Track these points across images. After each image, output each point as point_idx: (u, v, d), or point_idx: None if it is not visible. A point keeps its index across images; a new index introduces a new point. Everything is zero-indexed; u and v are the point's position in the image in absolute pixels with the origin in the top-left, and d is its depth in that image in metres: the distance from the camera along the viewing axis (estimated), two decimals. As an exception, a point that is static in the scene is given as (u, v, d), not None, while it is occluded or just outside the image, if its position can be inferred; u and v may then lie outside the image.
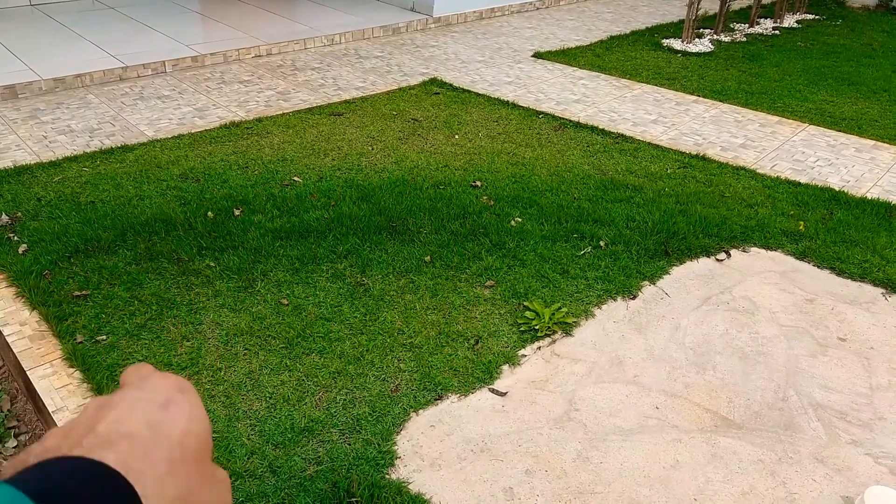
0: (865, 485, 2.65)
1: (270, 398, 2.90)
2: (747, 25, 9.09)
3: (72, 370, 3.01)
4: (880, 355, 3.35)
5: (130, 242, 3.88)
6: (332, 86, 6.57)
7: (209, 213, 4.21)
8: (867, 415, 3.01)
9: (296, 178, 4.72)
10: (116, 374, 2.98)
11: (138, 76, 6.58)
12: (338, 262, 3.79)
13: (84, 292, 3.47)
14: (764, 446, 2.82)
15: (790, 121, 6.05)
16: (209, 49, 7.11)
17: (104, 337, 3.19)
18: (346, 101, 6.17)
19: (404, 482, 2.56)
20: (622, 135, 5.63)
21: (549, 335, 3.37)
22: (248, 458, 2.61)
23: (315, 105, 6.06)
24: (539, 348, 3.30)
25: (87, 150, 5.02)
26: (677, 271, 3.90)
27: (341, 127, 5.62)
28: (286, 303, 3.47)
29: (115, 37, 7.41)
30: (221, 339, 3.22)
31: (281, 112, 5.87)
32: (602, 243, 4.07)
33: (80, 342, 3.15)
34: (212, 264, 3.73)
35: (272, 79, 6.70)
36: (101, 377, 2.94)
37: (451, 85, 6.67)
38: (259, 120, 5.68)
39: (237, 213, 4.23)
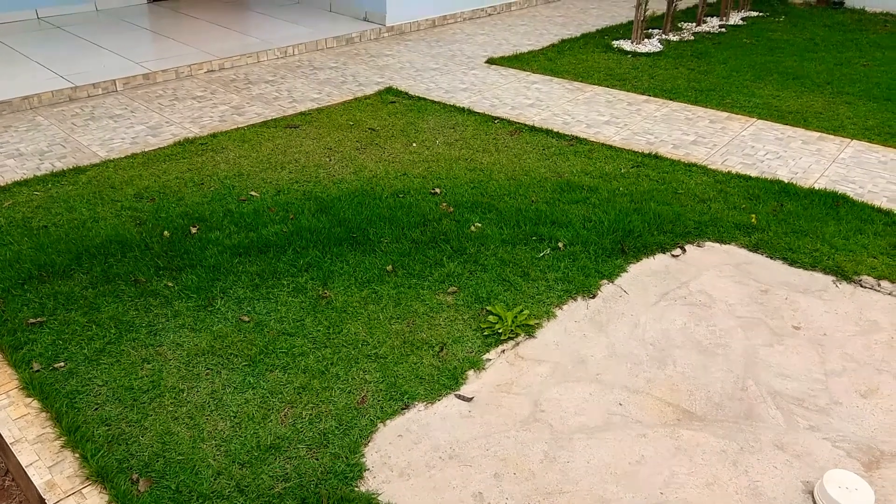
0: (824, 468, 2.73)
1: (235, 417, 2.87)
2: (694, 24, 9.28)
3: (29, 399, 2.95)
4: (833, 342, 3.45)
5: (86, 266, 3.82)
6: (287, 98, 6.54)
7: (165, 232, 4.15)
8: (823, 400, 3.09)
9: (253, 193, 4.68)
10: (76, 401, 2.92)
11: (88, 96, 6.47)
12: (299, 276, 3.78)
13: (39, 319, 3.40)
14: (726, 437, 2.89)
15: (739, 116, 6.20)
16: (161, 66, 7.02)
17: (62, 364, 3.13)
18: (302, 114, 6.15)
19: (374, 494, 2.56)
20: (576, 137, 5.71)
21: (512, 338, 3.40)
22: (214, 479, 2.58)
23: (270, 118, 6.02)
24: (503, 352, 3.33)
25: (38, 174, 4.92)
26: (634, 269, 3.97)
27: (298, 139, 5.60)
28: (247, 320, 3.44)
29: (63, 56, 7.27)
30: (182, 359, 3.18)
31: (236, 127, 5.82)
32: (561, 244, 4.12)
33: (37, 370, 3.08)
34: (170, 284, 3.69)
35: (226, 93, 6.64)
36: (60, 405, 2.88)
37: (406, 93, 6.69)
38: (213, 135, 5.62)
39: (194, 230, 4.18)
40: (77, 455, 2.67)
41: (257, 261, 3.90)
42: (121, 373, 3.08)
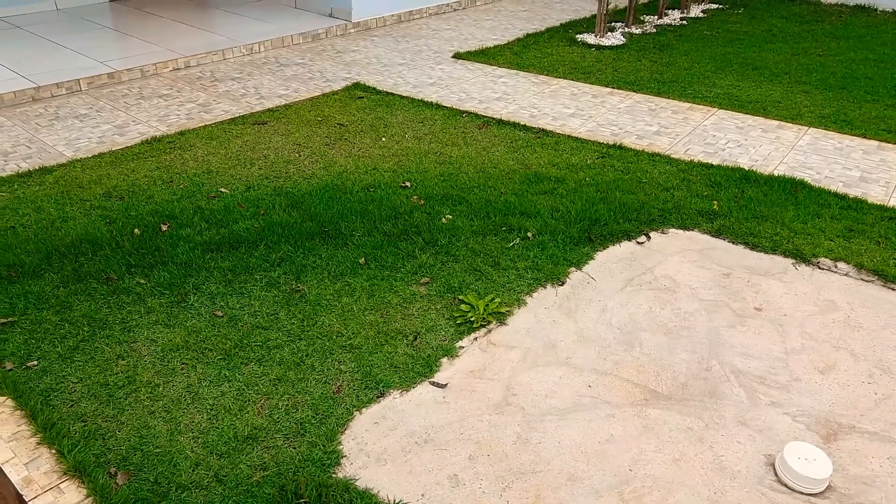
0: (785, 442, 2.84)
1: (211, 409, 2.90)
2: (656, 17, 9.44)
3: (2, 398, 2.94)
4: (793, 321, 3.58)
5: (56, 265, 3.80)
6: (255, 95, 6.53)
7: (136, 230, 4.15)
8: (784, 377, 3.21)
9: (223, 190, 4.69)
10: (51, 398, 2.93)
11: (52, 96, 6.39)
12: (271, 271, 3.80)
13: (10, 319, 3.39)
14: (691, 415, 2.99)
15: (700, 106, 6.35)
16: (125, 65, 6.96)
17: (35, 362, 3.12)
18: (270, 110, 6.15)
19: (351, 479, 2.61)
20: (543, 129, 5.79)
21: (484, 326, 3.47)
22: (193, 470, 2.61)
23: (238, 115, 6.02)
24: (476, 339, 3.40)
25: (3, 174, 4.86)
26: (601, 256, 4.07)
27: (266, 135, 5.60)
28: (221, 314, 3.46)
29: (25, 56, 7.17)
30: (157, 355, 3.20)
31: (203, 124, 5.81)
32: (530, 234, 4.20)
33: (10, 369, 3.07)
34: (142, 281, 3.69)
35: (192, 91, 6.61)
36: (34, 403, 2.88)
37: (374, 88, 6.72)
38: (181, 133, 5.61)
39: (164, 228, 4.18)
40: (54, 451, 2.68)
41: (229, 256, 3.92)
42: (95, 369, 3.09)
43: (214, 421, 2.84)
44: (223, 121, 5.89)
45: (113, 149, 5.32)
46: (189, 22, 8.71)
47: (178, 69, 7.22)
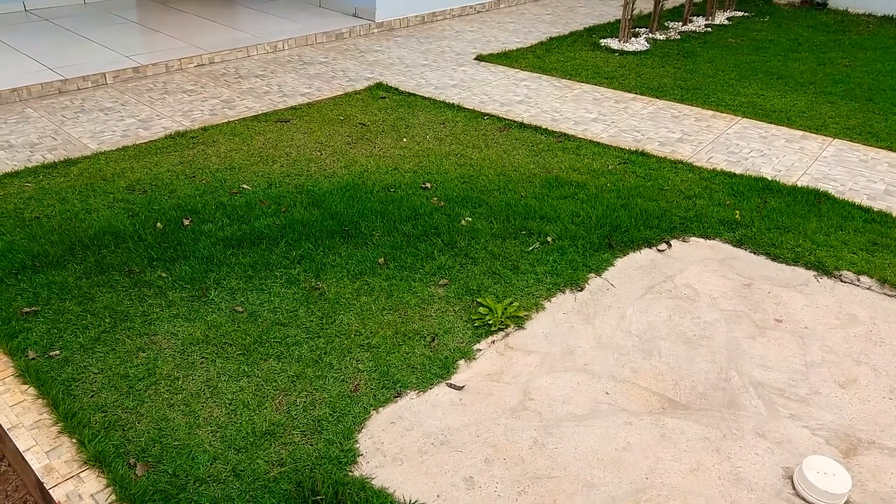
0: (803, 455, 2.81)
1: (230, 404, 2.92)
2: (681, 23, 9.40)
3: (25, 387, 2.98)
4: (814, 334, 3.54)
5: (79, 256, 3.84)
6: (278, 93, 6.57)
7: (158, 224, 4.19)
8: (803, 390, 3.19)
9: (245, 186, 4.72)
10: (72, 388, 2.96)
11: (78, 88, 6.47)
12: (291, 268, 3.83)
13: (34, 308, 3.43)
14: (709, 425, 2.97)
15: (724, 114, 6.31)
16: (150, 59, 7.03)
17: (57, 352, 3.16)
18: (293, 108, 6.18)
19: (367, 478, 2.62)
20: (565, 134, 5.78)
21: (502, 329, 3.47)
22: (211, 464, 2.63)
23: (261, 112, 6.06)
24: (493, 342, 3.39)
25: (29, 165, 4.93)
26: (621, 263, 4.05)
27: (288, 133, 5.63)
28: (241, 310, 3.49)
29: (52, 49, 7.26)
30: (177, 348, 3.22)
31: (226, 120, 5.85)
32: (549, 239, 4.19)
33: (33, 358, 3.11)
34: (164, 275, 3.73)
35: (216, 87, 6.66)
36: (56, 392, 2.91)
37: (396, 89, 6.74)
38: (204, 129, 5.65)
39: (187, 222, 4.22)
40: (74, 440, 2.71)
41: (250, 253, 3.95)
42: (116, 361, 3.12)
43: (233, 416, 2.86)
44: (246, 117, 5.93)
45: (137, 142, 5.37)
46: (213, 18, 8.78)
47: (202, 65, 7.28)
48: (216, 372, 3.09)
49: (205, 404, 2.91)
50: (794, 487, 2.69)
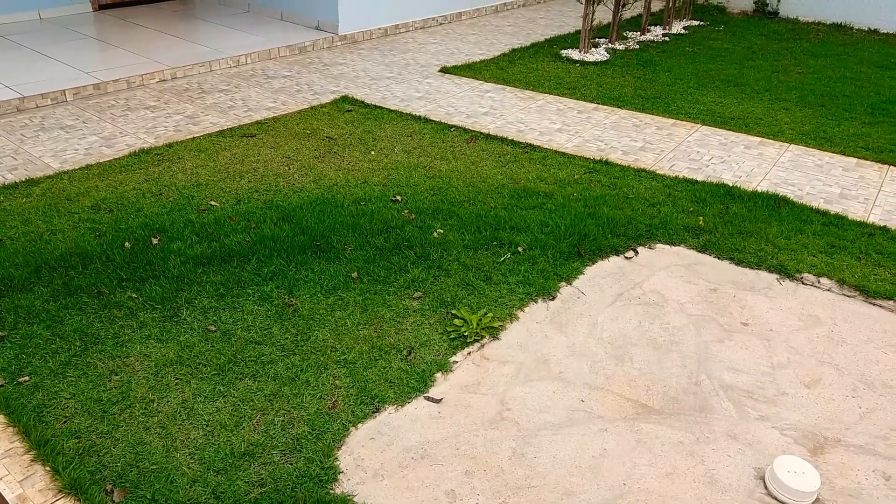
0: (774, 455, 2.90)
1: (207, 426, 2.90)
2: (639, 33, 9.58)
3: (-6, 415, 2.92)
4: (779, 336, 3.65)
5: (46, 279, 3.78)
6: (242, 107, 6.53)
7: (126, 243, 4.14)
8: (771, 391, 3.28)
9: (213, 203, 4.69)
10: (44, 415, 2.91)
11: (37, 106, 6.35)
12: (264, 285, 3.81)
13: (0, 334, 3.36)
14: (682, 429, 3.04)
15: (684, 122, 6.45)
16: (111, 76, 6.93)
17: (27, 378, 3.10)
18: (258, 122, 6.16)
19: (349, 495, 2.63)
20: (531, 144, 5.86)
21: (477, 340, 3.50)
22: (190, 487, 2.61)
23: (226, 127, 6.02)
24: (469, 354, 3.43)
25: (-12, 186, 4.83)
26: (591, 271, 4.12)
27: (255, 148, 5.61)
28: (214, 329, 3.46)
29: (9, 66, 7.12)
30: (151, 370, 3.19)
31: (191, 136, 5.80)
32: (520, 249, 4.24)
33: (2, 385, 3.05)
34: (134, 295, 3.68)
35: (179, 103, 6.60)
36: (27, 419, 2.86)
37: (362, 102, 6.75)
38: (169, 145, 5.60)
39: (155, 241, 4.17)
40: (48, 468, 2.67)
41: (221, 270, 3.92)
42: (88, 385, 3.08)
43: (210, 437, 2.84)
44: (211, 133, 5.89)
45: (100, 160, 5.29)
46: (174, 33, 8.69)
47: (164, 80, 7.21)
48: (191, 393, 3.06)
49: (181, 426, 2.89)
50: (766, 487, 2.77)
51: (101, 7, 9.84)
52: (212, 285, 3.79)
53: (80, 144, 5.60)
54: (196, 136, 5.82)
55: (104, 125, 6.00)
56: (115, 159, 5.33)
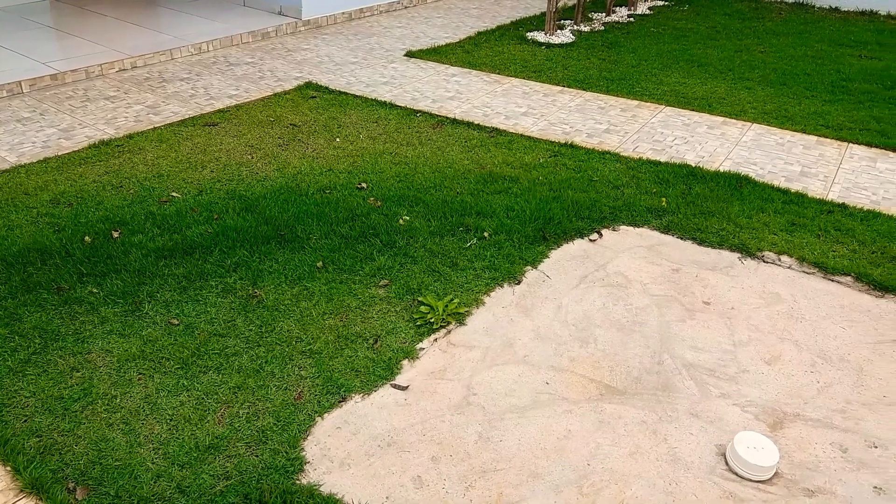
0: (734, 432, 2.95)
1: (171, 420, 2.88)
2: (604, 14, 9.60)
3: (-48, 416, 2.87)
4: (740, 314, 3.71)
5: (3, 276, 3.70)
6: (204, 96, 6.44)
7: (86, 237, 4.07)
8: (732, 369, 3.34)
9: (174, 194, 4.63)
10: (3, 414, 2.87)
11: (-9, 98, 6.20)
12: (227, 277, 3.78)
13: (-44, 333, 3.30)
14: (645, 408, 3.08)
15: (648, 104, 6.49)
16: (69, 66, 6.78)
17: (-16, 378, 3.05)
18: (220, 111, 6.07)
19: (315, 485, 2.63)
20: (496, 128, 5.86)
21: (443, 326, 3.51)
22: (154, 482, 2.59)
23: (187, 117, 5.93)
24: (436, 340, 3.44)
25: (-58, 182, 4.71)
26: (556, 254, 4.15)
27: (217, 137, 5.54)
28: (177, 322, 3.43)
29: (-40, 57, 6.93)
30: (113, 366, 3.15)
31: (152, 126, 5.71)
32: (486, 234, 4.25)
33: (-41, 386, 3.00)
34: (95, 290, 3.63)
35: (140, 93, 6.48)
36: (-14, 420, 2.82)
37: (327, 88, 6.69)
38: (130, 136, 5.50)
39: (116, 235, 4.11)
40: (8, 468, 2.63)
41: (183, 263, 3.88)
42: (49, 383, 3.03)
43: (175, 431, 2.82)
44: (173, 123, 5.80)
45: (59, 153, 5.19)
46: (134, 21, 8.52)
47: (124, 70, 7.07)
48: (155, 388, 3.03)
49: (145, 421, 2.87)
50: (727, 464, 2.82)
51: (58, -6, 9.60)
52: (174, 278, 3.74)
53: (38, 137, 5.48)
54: (157, 126, 5.73)
55: (62, 117, 5.88)
56: (74, 152, 5.22)
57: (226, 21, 8.60)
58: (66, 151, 5.23)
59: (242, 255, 3.95)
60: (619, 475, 2.74)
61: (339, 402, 3.01)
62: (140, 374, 3.11)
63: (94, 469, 2.64)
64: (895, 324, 3.64)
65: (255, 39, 8.26)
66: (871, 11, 10.30)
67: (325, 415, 2.95)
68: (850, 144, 5.70)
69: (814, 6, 10.68)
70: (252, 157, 5.21)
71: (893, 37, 8.95)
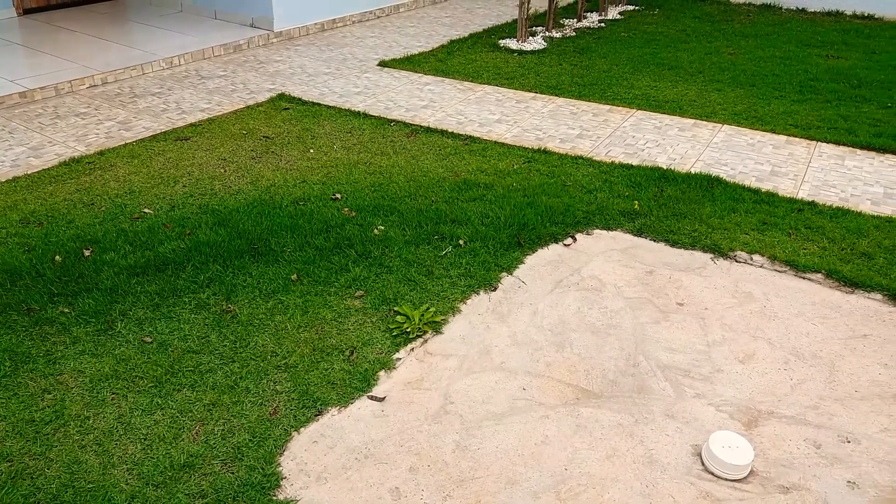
0: (710, 431, 2.98)
1: (145, 439, 2.85)
2: (576, 20, 9.68)
3: (-80, 443, 2.82)
4: (713, 314, 3.74)
5: (-29, 299, 3.65)
6: (176, 110, 6.40)
7: (57, 257, 4.02)
8: (707, 369, 3.36)
9: (146, 210, 4.59)
10: (-28, 439, 2.82)
11: (-42, 118, 6.12)
12: (200, 292, 3.75)
13: (-76, 358, 3.24)
14: (622, 411, 3.10)
15: (620, 108, 6.55)
16: (38, 83, 6.71)
17: (-47, 403, 3.00)
18: (192, 125, 6.04)
19: (292, 500, 2.61)
20: (470, 136, 5.88)
21: (420, 336, 3.51)
22: (128, 503, 2.57)
23: (159, 132, 5.89)
24: (412, 350, 3.43)
25: None
26: (531, 260, 4.16)
27: (189, 151, 5.50)
28: (150, 340, 3.40)
29: (-74, 77, 6.83)
30: (86, 386, 3.12)
31: (124, 142, 5.66)
32: (461, 242, 4.26)
33: (-74, 412, 2.95)
34: (66, 310, 3.59)
35: (111, 108, 6.43)
36: (-46, 446, 2.77)
37: (300, 99, 6.68)
38: (101, 153, 5.45)
39: (87, 253, 4.07)
40: (-22, 495, 2.59)
41: (156, 279, 3.85)
42: (20, 406, 2.99)
43: (149, 451, 2.79)
44: (144, 138, 5.75)
45: (28, 172, 5.13)
46: (105, 36, 8.45)
47: (94, 86, 7.01)
48: (128, 407, 3.00)
49: (118, 442, 2.83)
50: (703, 464, 2.84)
51: (27, 11, 9.51)
52: (147, 295, 3.71)
53: (7, 156, 5.42)
54: (128, 141, 5.68)
55: (32, 135, 5.81)
56: (44, 170, 5.17)
57: (197, 34, 8.56)
58: (36, 170, 5.17)
59: (216, 270, 3.93)
60: (596, 479, 2.75)
61: (316, 415, 3.00)
62: (113, 393, 3.08)
63: (66, 492, 2.60)
64: (865, 319, 3.69)
65: (228, 52, 8.23)
66: (837, 12, 10.47)
67: (302, 429, 2.93)
68: (819, 143, 5.79)
69: (781, 8, 10.84)
70: (225, 171, 5.18)
71: (859, 36, 9.11)
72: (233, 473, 2.69)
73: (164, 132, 5.88)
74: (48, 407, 2.99)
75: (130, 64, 7.38)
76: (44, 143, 5.65)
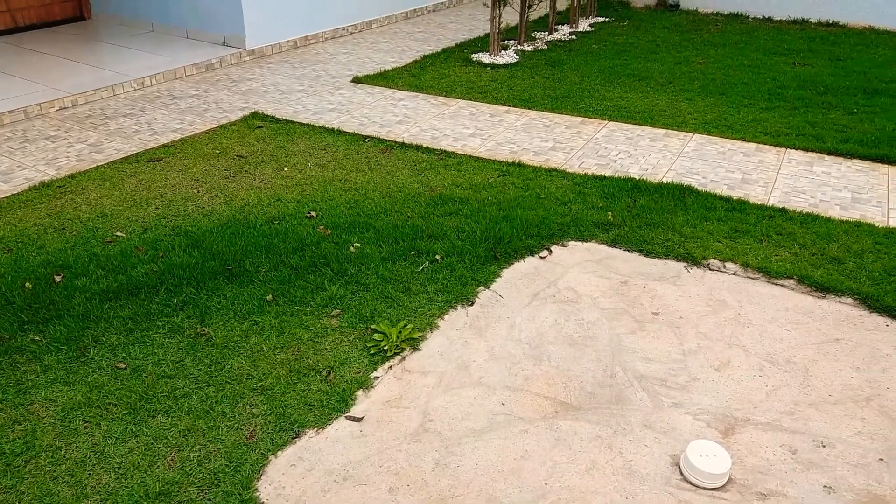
0: (688, 441, 2.99)
1: (119, 468, 2.80)
2: (547, 33, 9.76)
3: None
4: (688, 323, 3.77)
5: (-62, 329, 3.59)
6: (148, 131, 6.35)
7: (27, 283, 3.96)
8: (683, 378, 3.39)
9: (119, 234, 4.54)
10: (-60, 474, 2.76)
11: (-76, 144, 6.02)
12: (174, 316, 3.71)
13: None
14: (600, 423, 3.11)
15: (592, 120, 6.61)
16: (6, 106, 6.63)
17: (-80, 437, 2.93)
18: (165, 146, 5.99)
19: (270, 525, 2.58)
20: (445, 151, 5.89)
21: (398, 353, 3.50)
22: (102, 535, 2.52)
23: (131, 153, 5.84)
24: (390, 368, 3.42)
25: None
26: (507, 273, 4.17)
27: (162, 173, 5.46)
28: (123, 366, 3.35)
29: None
30: (57, 415, 3.06)
31: (95, 165, 5.61)
32: (438, 257, 4.26)
33: None
34: (37, 338, 3.53)
35: (81, 131, 6.36)
36: (-78, 481, 2.71)
37: (273, 117, 6.66)
38: (72, 176, 5.39)
39: (58, 279, 4.01)
40: (-53, 531, 2.53)
41: (129, 304, 3.80)
42: (-11, 438, 2.93)
43: (123, 480, 2.75)
44: (116, 160, 5.70)
45: (-3, 198, 5.06)
46: (75, 58, 8.38)
47: (65, 108, 6.94)
48: (102, 436, 2.95)
49: (92, 472, 2.78)
50: (681, 473, 2.85)
51: (-7, 34, 9.41)
52: (119, 320, 3.66)
53: (-26, 182, 5.34)
54: (100, 164, 5.63)
55: (0, 159, 5.74)
56: (13, 195, 5.10)
57: (169, 54, 8.51)
58: (5, 195, 5.10)
59: (189, 292, 3.89)
60: (576, 492, 2.75)
61: (293, 438, 2.97)
62: (86, 422, 3.03)
63: (38, 525, 2.55)
64: (837, 323, 3.74)
65: (200, 71, 8.19)
66: (803, 20, 10.67)
67: (279, 452, 2.90)
68: (788, 150, 5.88)
69: (748, 17, 11.03)
70: (198, 191, 5.15)
71: (824, 44, 9.28)
72: (209, 500, 2.66)
73: (136, 154, 5.83)
74: (18, 438, 2.94)
75: (101, 85, 7.31)
76: (13, 168, 5.58)
